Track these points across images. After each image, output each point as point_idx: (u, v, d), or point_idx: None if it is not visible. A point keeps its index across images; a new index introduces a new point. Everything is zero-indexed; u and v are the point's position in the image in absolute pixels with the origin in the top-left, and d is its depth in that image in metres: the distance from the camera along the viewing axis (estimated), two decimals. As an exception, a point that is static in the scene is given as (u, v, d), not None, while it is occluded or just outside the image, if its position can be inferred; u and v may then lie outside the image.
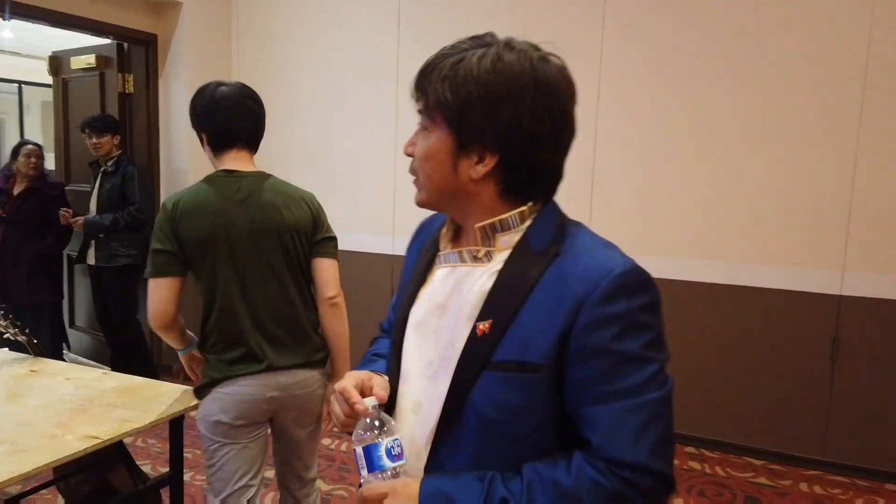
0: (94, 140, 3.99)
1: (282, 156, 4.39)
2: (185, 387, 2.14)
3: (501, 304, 0.89)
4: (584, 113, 3.45)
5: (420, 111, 0.93)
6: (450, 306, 0.94)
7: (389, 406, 0.98)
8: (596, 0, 3.44)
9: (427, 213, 1.09)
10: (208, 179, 1.96)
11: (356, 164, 4.19)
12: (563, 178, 0.94)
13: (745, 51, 3.20)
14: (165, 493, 2.13)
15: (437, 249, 1.02)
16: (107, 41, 4.29)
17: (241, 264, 1.88)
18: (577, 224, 0.96)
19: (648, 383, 0.83)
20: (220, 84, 1.93)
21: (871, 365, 3.09)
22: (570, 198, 1.11)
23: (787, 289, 3.22)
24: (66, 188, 4.35)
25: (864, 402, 3.11)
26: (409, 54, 3.94)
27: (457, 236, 1.01)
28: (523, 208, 0.93)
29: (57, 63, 4.60)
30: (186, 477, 2.95)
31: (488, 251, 0.94)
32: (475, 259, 0.95)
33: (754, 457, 3.34)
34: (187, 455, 3.05)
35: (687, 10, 3.29)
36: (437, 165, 0.92)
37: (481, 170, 0.90)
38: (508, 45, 0.89)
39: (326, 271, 2.00)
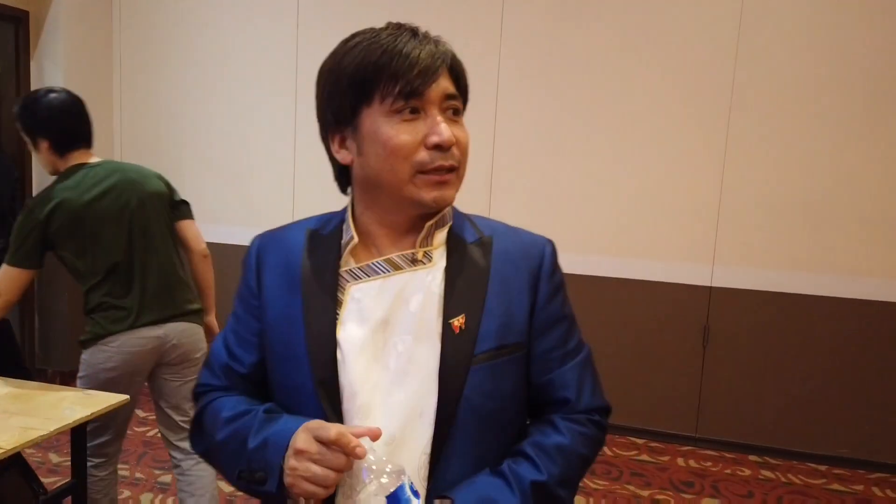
0: None
1: (169, 148, 4.20)
2: (86, 391, 2.04)
3: (467, 297, 0.89)
4: (483, 116, 3.58)
5: (452, 95, 0.88)
6: (396, 319, 0.89)
7: None
8: (494, 8, 3.58)
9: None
10: (66, 176, 2.12)
11: (252, 155, 4.08)
12: None
13: (629, 57, 3.45)
14: (65, 504, 2.03)
15: (336, 267, 0.92)
16: (-32, 16, 3.90)
17: (135, 234, 2.15)
18: (473, 214, 1.03)
19: (580, 337, 1.00)
20: (50, 91, 2.13)
21: (737, 349, 3.44)
22: (472, 200, 1.21)
23: (664, 280, 3.51)
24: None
25: (731, 382, 3.46)
26: (309, 35, 3.89)
27: (360, 248, 0.93)
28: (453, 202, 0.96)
29: None
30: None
31: (427, 251, 0.92)
32: (414, 262, 0.91)
33: (636, 436, 3.63)
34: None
35: (579, 18, 3.49)
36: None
37: None
38: None
39: (191, 229, 2.33)
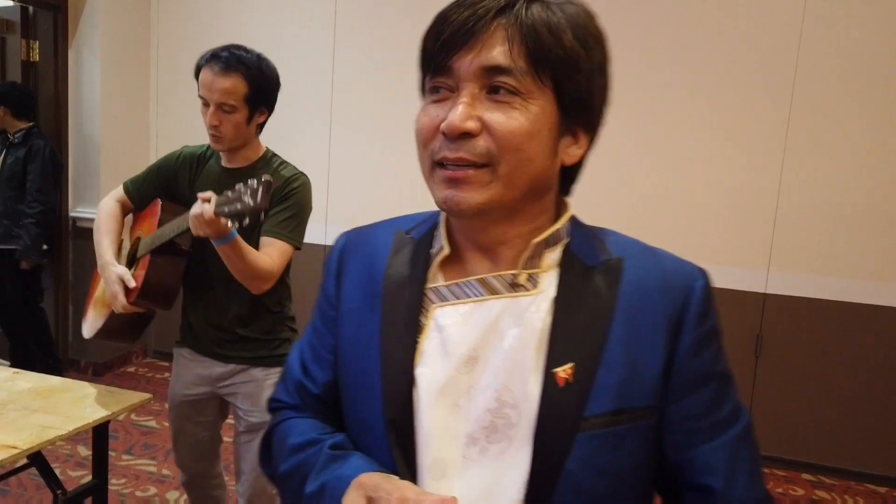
0: None
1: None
2: (109, 388, 1.96)
3: (579, 339, 0.68)
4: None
5: (505, 69, 0.65)
6: (486, 358, 0.70)
7: None
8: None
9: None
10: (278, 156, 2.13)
11: (288, 150, 4.00)
12: None
13: (686, 55, 3.27)
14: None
15: (422, 282, 0.75)
16: (9, 3, 3.90)
17: None
18: (599, 227, 0.80)
19: (739, 402, 0.74)
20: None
21: (792, 360, 3.24)
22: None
23: (716, 286, 3.32)
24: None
25: (785, 395, 3.26)
26: (345, 31, 3.79)
27: (453, 260, 0.76)
28: (571, 213, 0.75)
29: (-53, 24, 4.14)
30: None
31: (531, 274, 0.72)
32: (514, 286, 0.72)
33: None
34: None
35: (636, 16, 3.32)
36: (541, 146, 0.67)
37: (577, 153, 0.71)
38: None
39: None
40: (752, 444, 0.74)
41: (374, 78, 3.74)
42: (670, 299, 0.70)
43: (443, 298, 0.73)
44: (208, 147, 2.00)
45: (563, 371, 0.67)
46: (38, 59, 3.95)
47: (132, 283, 1.80)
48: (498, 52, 0.65)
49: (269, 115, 1.98)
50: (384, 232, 0.81)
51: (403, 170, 3.63)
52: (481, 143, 0.65)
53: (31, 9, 3.88)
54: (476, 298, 0.72)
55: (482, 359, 0.70)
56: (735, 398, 0.74)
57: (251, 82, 1.86)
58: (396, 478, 0.69)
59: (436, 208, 0.74)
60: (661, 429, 0.71)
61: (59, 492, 1.82)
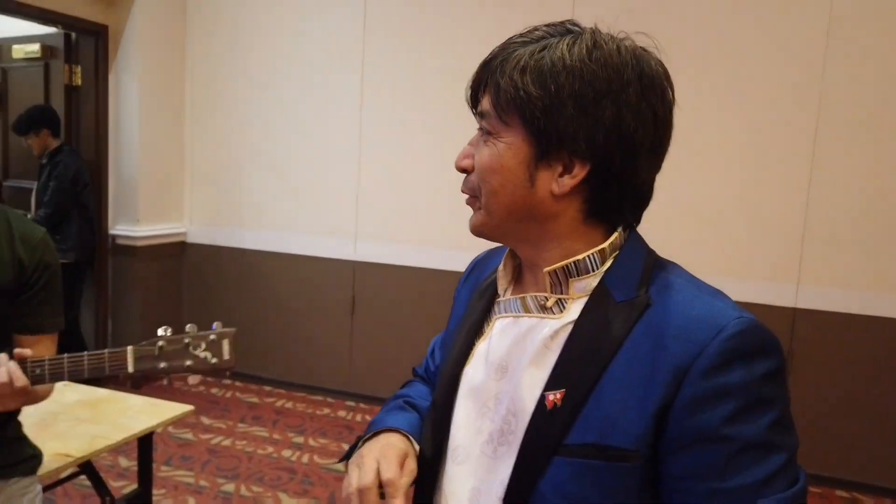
0: (25, 143, 3.84)
1: (236, 156, 4.26)
2: (151, 400, 2.04)
3: (577, 368, 0.71)
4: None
5: (482, 113, 0.76)
6: (512, 367, 0.77)
7: (427, 486, 0.83)
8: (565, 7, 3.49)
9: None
10: None
11: (317, 165, 4.09)
12: (651, 199, 0.79)
13: (710, 63, 3.29)
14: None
15: (496, 293, 0.85)
16: (53, 30, 4.06)
17: None
18: (670, 263, 0.78)
19: (775, 478, 0.64)
20: None
21: (823, 375, 3.22)
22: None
23: (745, 300, 3.32)
24: (5, 184, 4.09)
25: (816, 410, 3.23)
26: (375, 47, 3.88)
27: (518, 276, 0.84)
28: (604, 245, 0.75)
29: (-5, 50, 4.33)
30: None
31: (559, 299, 0.76)
32: (543, 309, 0.77)
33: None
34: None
35: (656, 23, 3.35)
36: (509, 177, 0.74)
37: (568, 182, 0.73)
38: (599, 32, 0.74)
39: None
40: None
41: (404, 93, 3.83)
42: (681, 348, 0.67)
43: (501, 311, 0.82)
44: None
45: (554, 395, 0.71)
46: (79, 83, 4.11)
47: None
48: (484, 101, 0.76)
49: None
50: (504, 249, 0.89)
51: (431, 188, 3.70)
52: (472, 178, 0.78)
53: (73, 35, 4.04)
54: (515, 314, 0.80)
55: (510, 370, 0.77)
56: (763, 475, 0.64)
57: None
58: (391, 455, 0.79)
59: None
60: (660, 481, 0.68)
61: (107, 498, 1.90)
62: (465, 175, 0.80)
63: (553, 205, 0.74)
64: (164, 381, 1.20)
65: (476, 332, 0.84)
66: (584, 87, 0.70)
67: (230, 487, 2.96)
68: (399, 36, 3.81)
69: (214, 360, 1.15)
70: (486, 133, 0.76)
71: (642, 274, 0.75)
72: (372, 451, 0.80)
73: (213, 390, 4.10)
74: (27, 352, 1.17)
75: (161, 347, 1.14)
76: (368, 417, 3.78)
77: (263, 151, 4.21)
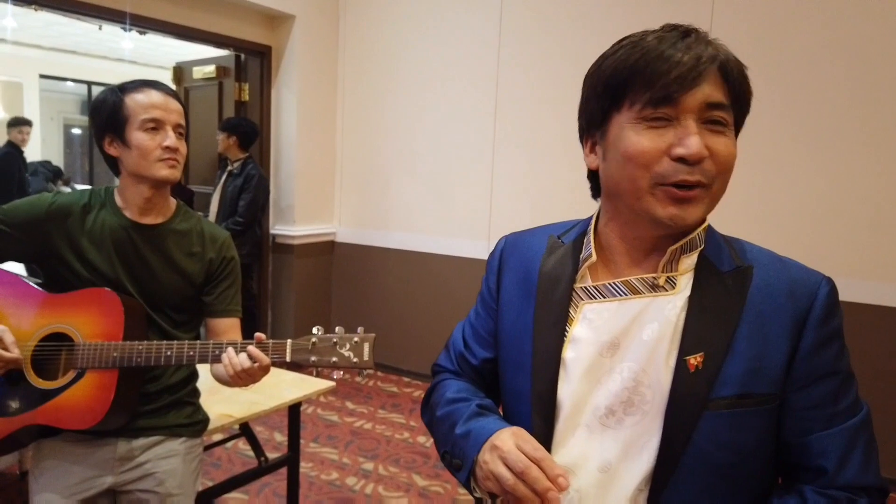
0: (217, 137, 4.30)
1: (382, 162, 4.56)
2: (302, 375, 2.29)
3: (710, 333, 0.80)
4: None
5: (718, 104, 0.78)
6: (626, 345, 0.84)
7: None
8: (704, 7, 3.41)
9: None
10: None
11: (454, 169, 4.29)
12: None
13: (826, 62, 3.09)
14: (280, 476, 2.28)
15: (572, 281, 0.90)
16: (225, 53, 4.58)
17: None
18: (729, 236, 0.90)
19: (859, 398, 0.84)
20: None
21: None
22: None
23: (855, 301, 3.07)
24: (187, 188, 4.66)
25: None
26: (508, 57, 4.01)
27: (599, 264, 0.90)
28: (707, 223, 0.86)
29: (180, 73, 4.95)
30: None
31: (670, 277, 0.85)
32: (654, 287, 0.85)
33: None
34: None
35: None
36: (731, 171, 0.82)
37: None
38: None
39: None
40: (869, 436, 0.83)
41: (537, 98, 3.92)
42: (796, 303, 0.81)
43: (590, 296, 0.88)
44: (92, 195, 1.58)
45: (694, 359, 0.80)
46: (247, 98, 4.60)
47: None
48: (717, 92, 0.78)
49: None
50: (538, 236, 0.98)
51: (564, 190, 3.76)
52: (710, 167, 0.78)
53: (242, 56, 4.54)
54: (621, 297, 0.86)
55: (622, 346, 0.84)
56: (853, 394, 0.83)
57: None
58: (526, 434, 0.82)
59: (580, 217, 0.96)
60: (782, 415, 0.82)
61: (262, 458, 2.17)
62: (689, 164, 0.77)
63: None
64: (313, 373, 1.41)
65: (564, 318, 0.88)
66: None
67: (369, 466, 3.20)
68: (531, 38, 3.92)
69: (356, 360, 1.33)
70: (721, 124, 0.79)
71: (727, 247, 0.86)
72: (506, 443, 0.80)
73: (357, 378, 4.41)
74: (262, 336, 1.39)
75: (314, 343, 1.34)
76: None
77: (405, 158, 4.47)
